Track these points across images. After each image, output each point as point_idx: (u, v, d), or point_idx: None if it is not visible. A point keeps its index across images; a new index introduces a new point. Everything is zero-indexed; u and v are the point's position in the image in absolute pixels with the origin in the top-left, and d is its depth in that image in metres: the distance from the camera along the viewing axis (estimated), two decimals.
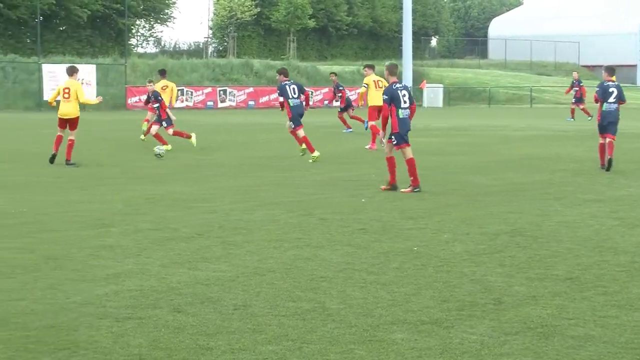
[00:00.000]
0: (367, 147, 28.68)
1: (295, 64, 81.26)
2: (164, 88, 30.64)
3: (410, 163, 17.42)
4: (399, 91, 17.42)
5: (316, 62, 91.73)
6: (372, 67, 29.78)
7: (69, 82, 23.08)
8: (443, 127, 41.96)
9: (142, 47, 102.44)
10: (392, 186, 17.48)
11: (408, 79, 72.05)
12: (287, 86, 24.40)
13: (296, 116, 24.27)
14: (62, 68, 61.34)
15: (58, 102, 23.37)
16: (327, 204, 15.57)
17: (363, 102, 28.99)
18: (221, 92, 68.97)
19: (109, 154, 25.80)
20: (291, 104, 24.27)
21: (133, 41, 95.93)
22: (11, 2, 73.05)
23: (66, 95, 22.81)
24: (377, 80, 28.62)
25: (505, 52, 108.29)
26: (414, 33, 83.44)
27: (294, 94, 24.41)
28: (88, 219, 13.76)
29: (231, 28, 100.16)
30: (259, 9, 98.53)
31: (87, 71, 62.66)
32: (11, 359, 6.92)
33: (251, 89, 70.95)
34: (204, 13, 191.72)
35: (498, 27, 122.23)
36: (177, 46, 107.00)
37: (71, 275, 9.83)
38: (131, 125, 39.54)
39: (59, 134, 23.23)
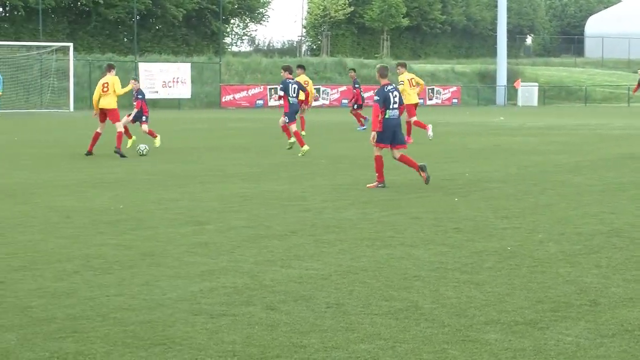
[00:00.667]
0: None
1: (389, 62, 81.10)
2: (306, 83, 32.37)
3: (377, 159, 17.85)
4: (390, 93, 17.86)
5: (410, 61, 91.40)
6: (404, 65, 31.19)
7: (107, 78, 25.85)
8: (538, 126, 41.51)
9: (236, 45, 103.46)
10: (380, 184, 17.85)
11: (502, 78, 71.56)
12: (290, 84, 25.90)
13: (292, 113, 25.96)
14: (158, 67, 62.39)
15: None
16: (420, 202, 15.52)
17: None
18: (314, 90, 69.16)
19: (203, 152, 26.05)
20: (290, 102, 25.76)
21: (227, 40, 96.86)
22: (109, 2, 74.22)
23: (105, 89, 25.55)
24: (411, 79, 30.89)
25: (602, 50, 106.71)
26: (508, 31, 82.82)
27: (294, 93, 25.95)
28: (183, 216, 13.93)
29: (325, 27, 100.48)
30: (352, 8, 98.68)
31: (183, 70, 63.42)
32: (109, 354, 7.04)
33: (344, 88, 71.03)
34: (298, 12, 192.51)
35: (595, 25, 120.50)
36: (270, 45, 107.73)
37: (167, 272, 9.96)
38: (225, 123, 39.87)
39: (97, 130, 25.63)
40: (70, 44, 58.29)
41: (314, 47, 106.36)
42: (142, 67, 61.88)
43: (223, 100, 64.60)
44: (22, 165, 21.86)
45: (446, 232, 12.56)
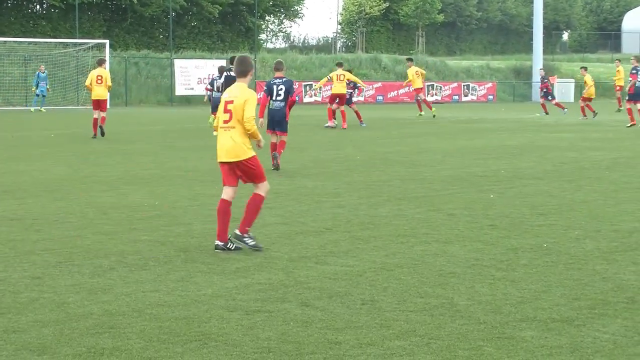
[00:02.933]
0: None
1: (424, 58, 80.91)
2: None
3: (272, 147, 20.29)
4: (275, 85, 20.25)
5: (445, 57, 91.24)
6: (411, 59, 42.39)
7: (100, 70, 30.14)
8: (575, 122, 41.26)
9: (271, 42, 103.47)
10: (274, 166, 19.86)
11: (538, 74, 71.11)
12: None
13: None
14: (194, 63, 62.49)
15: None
16: (455, 199, 15.48)
17: (408, 88, 41.00)
18: (295, 89, 68.88)
19: None
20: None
21: (262, 37, 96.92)
22: (144, 1, 74.53)
23: (99, 81, 29.73)
24: (417, 71, 40.29)
25: (639, 46, 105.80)
26: (544, 27, 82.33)
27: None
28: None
29: (360, 23, 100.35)
30: (387, 4, 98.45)
31: (218, 66, 63.53)
32: (145, 349, 7.07)
33: (380, 84, 70.89)
34: (333, 8, 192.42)
35: (632, 21, 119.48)
36: (306, 41, 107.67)
37: (202, 268, 9.99)
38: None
39: (95, 116, 29.97)
40: (107, 41, 58.48)
41: (349, 43, 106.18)
42: (178, 63, 61.99)
43: (258, 96, 64.69)
44: (60, 162, 21.99)
45: (481, 228, 12.52)
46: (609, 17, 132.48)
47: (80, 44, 60.10)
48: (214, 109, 27.49)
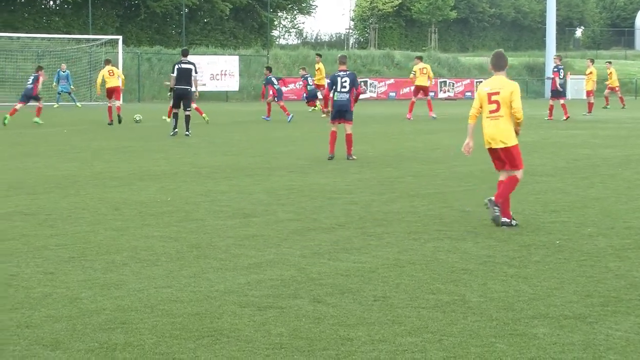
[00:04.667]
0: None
1: (437, 55, 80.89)
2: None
3: (346, 138, 21.61)
4: (339, 78, 21.49)
5: (457, 54, 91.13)
6: (420, 58, 41.49)
7: (109, 67, 36.53)
8: (587, 119, 41.18)
9: (284, 38, 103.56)
10: (330, 156, 21.45)
11: (551, 71, 70.96)
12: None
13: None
14: (206, 59, 62.49)
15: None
16: (468, 196, 15.46)
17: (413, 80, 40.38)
18: (361, 83, 69.02)
19: (251, 144, 26.12)
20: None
21: (275, 33, 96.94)
22: None
23: (111, 74, 36.12)
24: (422, 68, 39.58)
25: None
26: (558, 23, 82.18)
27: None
28: (231, 208, 13.98)
29: (372, 19, 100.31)
30: (400, 1, 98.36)
31: (230, 62, 63.57)
32: (157, 345, 7.09)
33: (392, 81, 70.85)
34: (346, 4, 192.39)
35: None
36: (318, 37, 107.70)
37: (214, 264, 10.00)
38: (272, 115, 39.93)
39: (109, 104, 35.62)
40: (119, 37, 58.59)
41: (362, 39, 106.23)
42: (190, 59, 62.10)
43: (270, 92, 64.64)
44: (72, 158, 22.04)
45: (494, 225, 12.50)
46: (622, 14, 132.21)
47: (93, 39, 60.22)
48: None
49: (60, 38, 61.13)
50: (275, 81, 41.13)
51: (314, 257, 10.43)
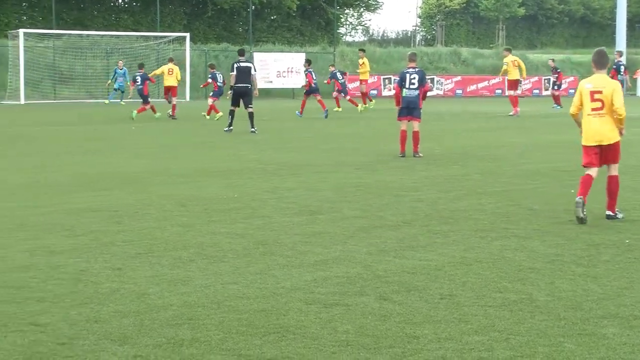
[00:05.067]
0: (510, 114, 38.28)
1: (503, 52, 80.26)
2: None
3: (413, 135, 21.53)
4: (408, 74, 21.60)
5: (525, 51, 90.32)
6: (509, 49, 40.90)
7: (171, 65, 39.00)
8: None
9: (350, 35, 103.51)
10: (401, 154, 21.33)
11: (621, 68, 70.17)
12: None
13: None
14: (273, 57, 62.72)
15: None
16: (535, 194, 15.33)
17: (502, 77, 41.30)
18: (428, 80, 68.65)
19: (317, 141, 26.14)
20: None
21: (342, 30, 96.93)
22: None
23: (170, 73, 38.59)
24: (514, 60, 39.00)
25: None
26: (628, 20, 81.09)
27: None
28: (297, 205, 14.00)
29: (439, 16, 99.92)
30: None
31: (297, 60, 63.68)
32: (224, 341, 7.12)
33: (459, 78, 70.48)
34: (413, 1, 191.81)
35: None
36: (385, 34, 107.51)
37: (280, 261, 10.02)
38: (338, 112, 39.92)
39: (172, 103, 37.67)
40: (187, 34, 58.98)
41: (429, 37, 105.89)
42: (257, 57, 62.24)
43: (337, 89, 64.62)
44: (140, 154, 22.24)
45: (562, 224, 12.39)
46: None
47: (161, 37, 60.70)
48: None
49: (128, 35, 61.69)
50: (339, 76, 41.27)
51: (380, 254, 10.41)
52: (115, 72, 50.44)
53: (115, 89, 50.89)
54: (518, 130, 30.86)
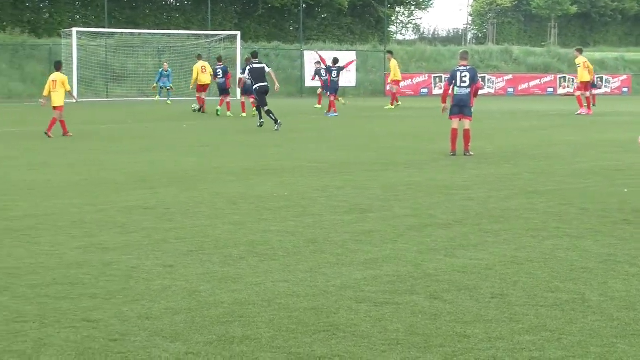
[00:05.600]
0: (577, 112, 38.17)
1: (556, 50, 79.69)
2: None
3: (464, 133, 21.48)
4: (459, 72, 21.53)
5: None
6: (580, 50, 40.08)
7: (202, 63, 41.14)
8: None
9: (401, 34, 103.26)
10: (452, 153, 21.30)
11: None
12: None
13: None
14: (324, 55, 62.72)
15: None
16: (588, 193, 15.21)
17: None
18: (479, 78, 68.30)
19: (367, 140, 26.12)
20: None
21: (392, 28, 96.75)
22: None
23: (204, 70, 40.44)
24: (585, 62, 38.61)
25: None
26: None
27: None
28: (347, 204, 13.99)
29: (491, 14, 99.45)
30: None
31: (348, 58, 63.68)
32: (274, 338, 7.14)
33: (510, 76, 70.08)
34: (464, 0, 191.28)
35: None
36: (435, 33, 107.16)
37: (331, 259, 10.03)
38: (389, 111, 39.87)
39: (202, 97, 40.61)
40: (238, 33, 59.18)
41: (480, 35, 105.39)
42: (308, 55, 62.36)
43: (387, 88, 64.56)
44: (192, 152, 22.36)
45: (615, 223, 12.28)
46: None
47: (212, 35, 60.96)
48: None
49: (179, 34, 62.03)
50: (323, 73, 41.66)
51: (430, 253, 10.38)
52: (161, 74, 50.54)
53: (160, 87, 51.03)
54: (571, 128, 30.64)
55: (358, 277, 9.15)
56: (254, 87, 30.71)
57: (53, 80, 27.92)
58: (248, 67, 30.97)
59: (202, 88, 41.42)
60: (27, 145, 24.50)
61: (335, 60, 41.45)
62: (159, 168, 18.86)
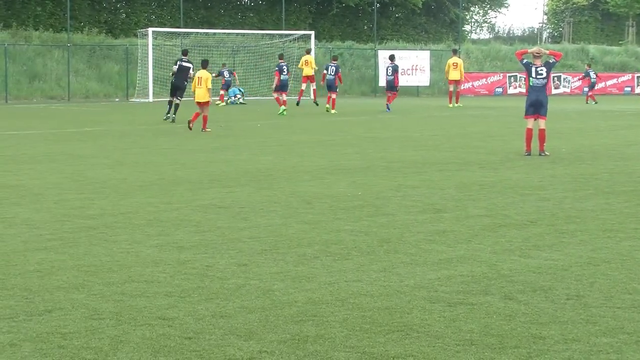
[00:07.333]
0: None
1: (634, 49, 78.67)
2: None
3: (539, 133, 21.18)
4: (534, 67, 21.26)
5: None
6: None
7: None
8: None
9: (475, 33, 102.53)
10: (527, 153, 21.14)
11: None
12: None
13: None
14: (397, 54, 62.29)
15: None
16: None
17: None
18: (555, 78, 67.70)
19: (441, 139, 26.02)
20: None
21: (467, 27, 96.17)
22: None
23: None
24: None
25: None
26: None
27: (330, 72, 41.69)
28: (421, 203, 13.96)
29: (567, 13, 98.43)
30: None
31: (422, 57, 63.50)
32: (348, 338, 7.14)
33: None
34: None
35: None
36: (510, 32, 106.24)
37: (404, 259, 10.01)
38: (463, 110, 39.67)
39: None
40: (312, 32, 59.32)
41: (555, 34, 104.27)
42: (381, 54, 62.23)
43: (461, 88, 64.27)
44: (268, 151, 22.46)
45: None
46: None
47: (286, 35, 61.17)
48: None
49: (254, 34, 62.34)
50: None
51: (505, 253, 10.31)
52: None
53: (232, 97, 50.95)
54: None
55: (432, 277, 9.12)
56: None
57: (199, 77, 29.16)
58: (179, 64, 34.38)
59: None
60: (105, 143, 24.77)
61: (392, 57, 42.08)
62: (234, 167, 18.97)
